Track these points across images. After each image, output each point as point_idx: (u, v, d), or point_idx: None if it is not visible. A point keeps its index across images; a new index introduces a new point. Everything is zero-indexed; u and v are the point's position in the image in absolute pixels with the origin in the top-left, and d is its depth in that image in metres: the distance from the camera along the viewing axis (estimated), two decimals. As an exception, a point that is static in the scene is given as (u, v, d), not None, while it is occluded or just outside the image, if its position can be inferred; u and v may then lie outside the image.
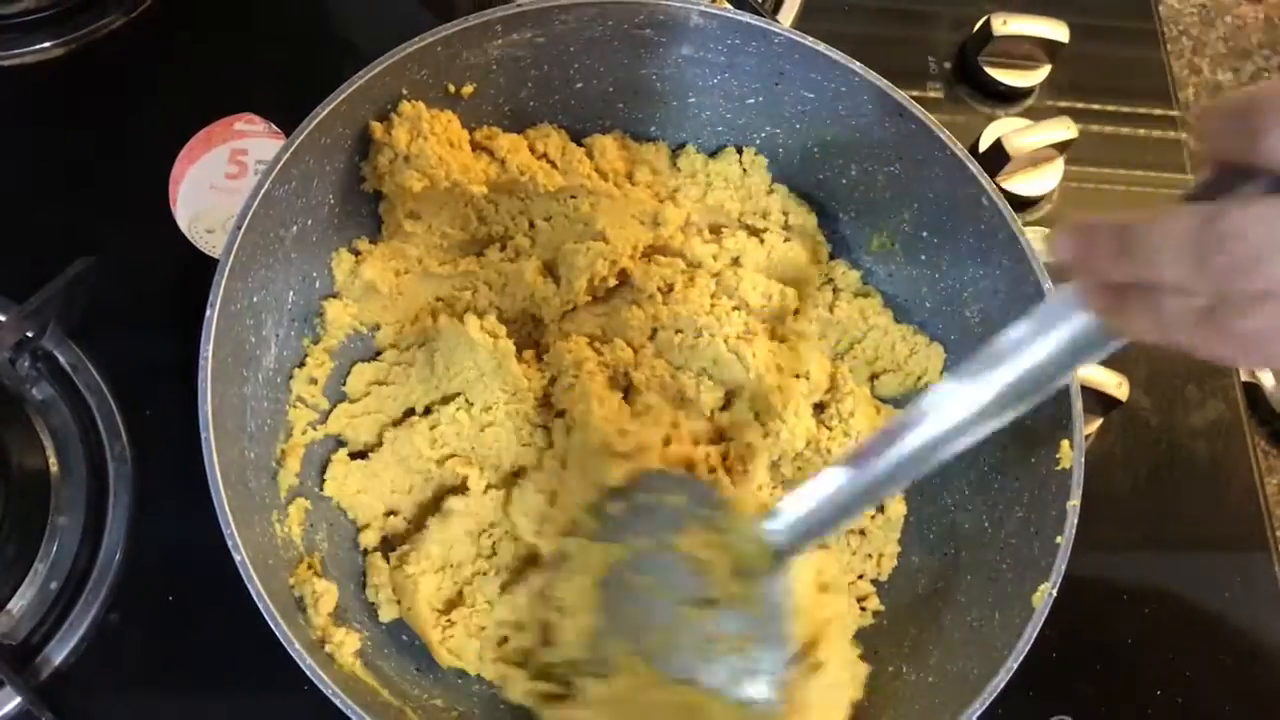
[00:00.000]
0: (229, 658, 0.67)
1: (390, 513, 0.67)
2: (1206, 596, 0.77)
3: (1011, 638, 0.55)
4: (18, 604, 0.67)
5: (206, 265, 0.75)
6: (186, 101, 0.80)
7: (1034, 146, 0.85)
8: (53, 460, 0.70)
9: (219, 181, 0.77)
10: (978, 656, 0.57)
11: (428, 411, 0.68)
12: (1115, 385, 0.76)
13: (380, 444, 0.67)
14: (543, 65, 0.67)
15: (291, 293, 0.64)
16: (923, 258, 0.69)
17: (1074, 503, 0.58)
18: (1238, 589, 0.77)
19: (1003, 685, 0.54)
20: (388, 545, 0.67)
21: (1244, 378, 0.85)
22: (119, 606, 0.68)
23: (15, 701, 0.64)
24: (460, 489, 0.66)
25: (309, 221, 0.63)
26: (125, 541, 0.69)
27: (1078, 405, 0.59)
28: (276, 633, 0.52)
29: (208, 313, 0.55)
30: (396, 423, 0.68)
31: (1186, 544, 0.79)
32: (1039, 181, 0.87)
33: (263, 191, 0.57)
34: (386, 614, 0.64)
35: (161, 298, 0.75)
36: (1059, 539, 0.57)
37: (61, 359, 0.72)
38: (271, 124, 0.79)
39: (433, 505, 0.67)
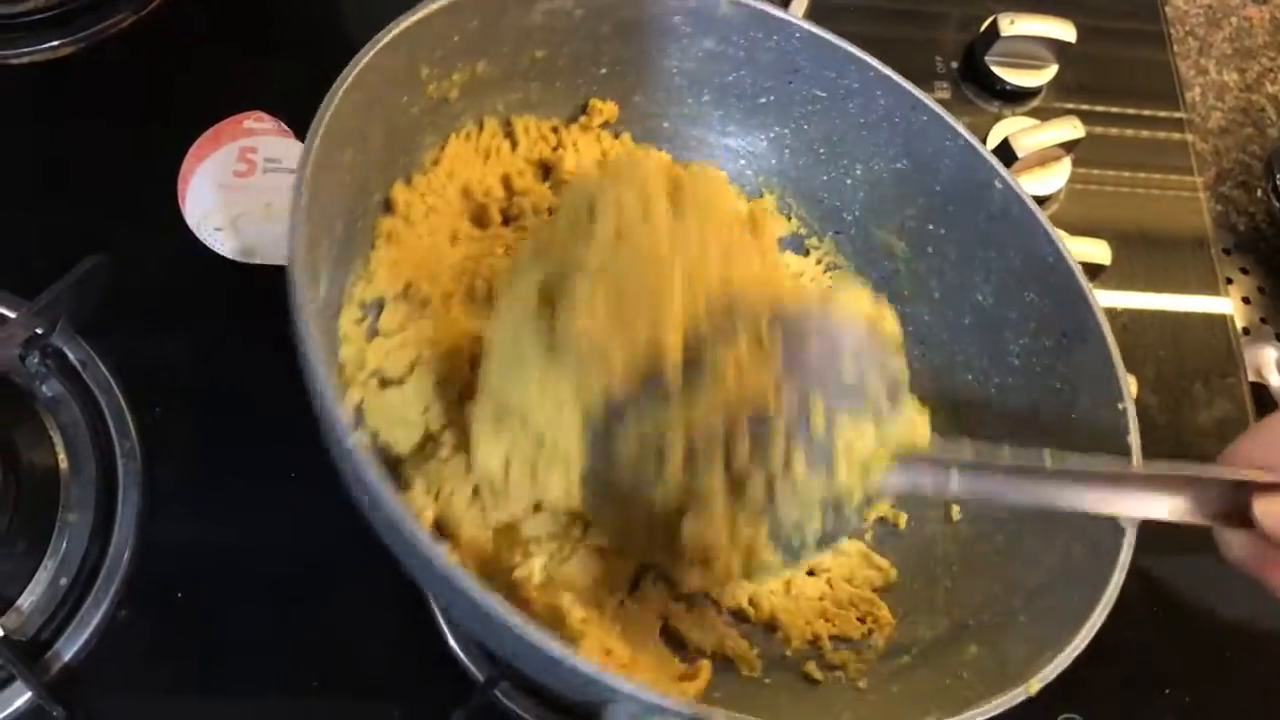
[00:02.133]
0: (239, 655, 0.67)
1: (429, 439, 0.64)
2: (1215, 594, 0.77)
3: (1109, 556, 0.55)
4: (27, 600, 0.66)
5: (216, 263, 0.75)
6: (195, 100, 0.81)
7: (1041, 146, 0.85)
8: (62, 457, 0.70)
9: (228, 179, 0.77)
10: (1071, 586, 0.56)
11: None
12: (1123, 384, 0.76)
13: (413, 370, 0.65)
14: (575, 42, 0.67)
15: (340, 223, 0.62)
16: (929, 249, 0.69)
17: (1134, 438, 0.58)
18: (1247, 586, 0.76)
19: (1117, 595, 0.54)
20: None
21: (1250, 378, 0.85)
22: (128, 603, 0.68)
23: (26, 696, 0.64)
24: None
25: (360, 155, 0.61)
26: (135, 539, 0.69)
27: (1116, 355, 0.59)
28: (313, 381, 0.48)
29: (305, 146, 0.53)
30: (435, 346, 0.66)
31: (1194, 542, 0.78)
32: (1046, 181, 0.87)
33: (352, 76, 0.55)
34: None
35: (171, 296, 0.75)
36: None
37: (71, 356, 0.72)
38: (281, 122, 0.79)
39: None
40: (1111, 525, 0.56)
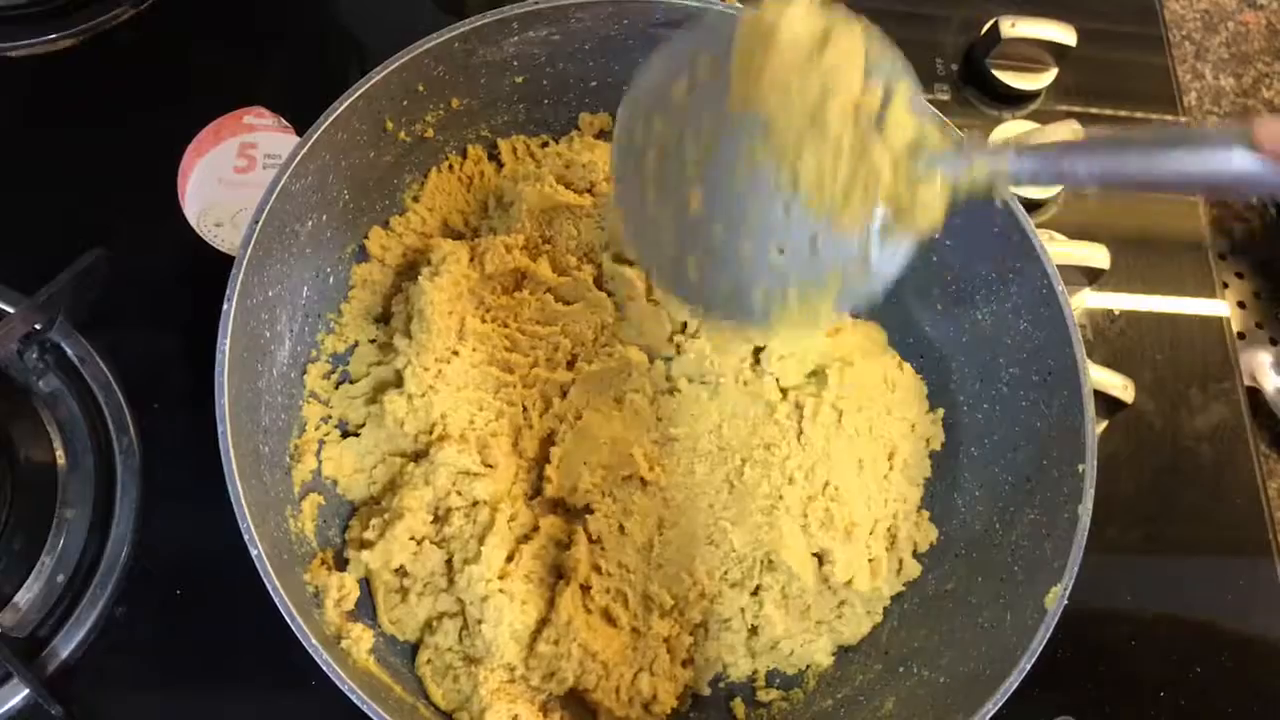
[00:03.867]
0: (237, 652, 0.67)
1: (374, 500, 0.67)
2: (1209, 598, 0.77)
3: (1024, 639, 0.56)
4: (24, 597, 0.66)
5: (215, 259, 0.75)
6: (195, 95, 0.81)
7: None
8: (60, 453, 0.70)
9: (228, 175, 0.77)
10: (990, 657, 0.57)
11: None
12: (1121, 388, 0.76)
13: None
14: (558, 63, 0.68)
15: (306, 288, 0.64)
16: (935, 257, 0.69)
17: (1086, 506, 0.58)
18: (1240, 590, 0.77)
19: (1015, 686, 0.55)
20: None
21: (1245, 382, 0.85)
22: (126, 600, 0.67)
23: (23, 694, 0.63)
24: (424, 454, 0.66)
25: (323, 217, 0.63)
26: (132, 535, 0.68)
27: (1089, 409, 0.60)
28: (293, 627, 0.52)
29: (225, 306, 0.55)
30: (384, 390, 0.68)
31: (1189, 545, 0.79)
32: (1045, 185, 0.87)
33: (280, 186, 0.58)
34: (355, 570, 0.63)
35: (169, 291, 0.75)
36: (1072, 541, 0.57)
37: (69, 351, 0.72)
38: (281, 118, 0.79)
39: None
40: (1037, 606, 0.57)
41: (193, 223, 0.75)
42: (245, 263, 0.56)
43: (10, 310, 0.70)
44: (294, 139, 0.78)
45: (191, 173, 0.76)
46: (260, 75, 0.83)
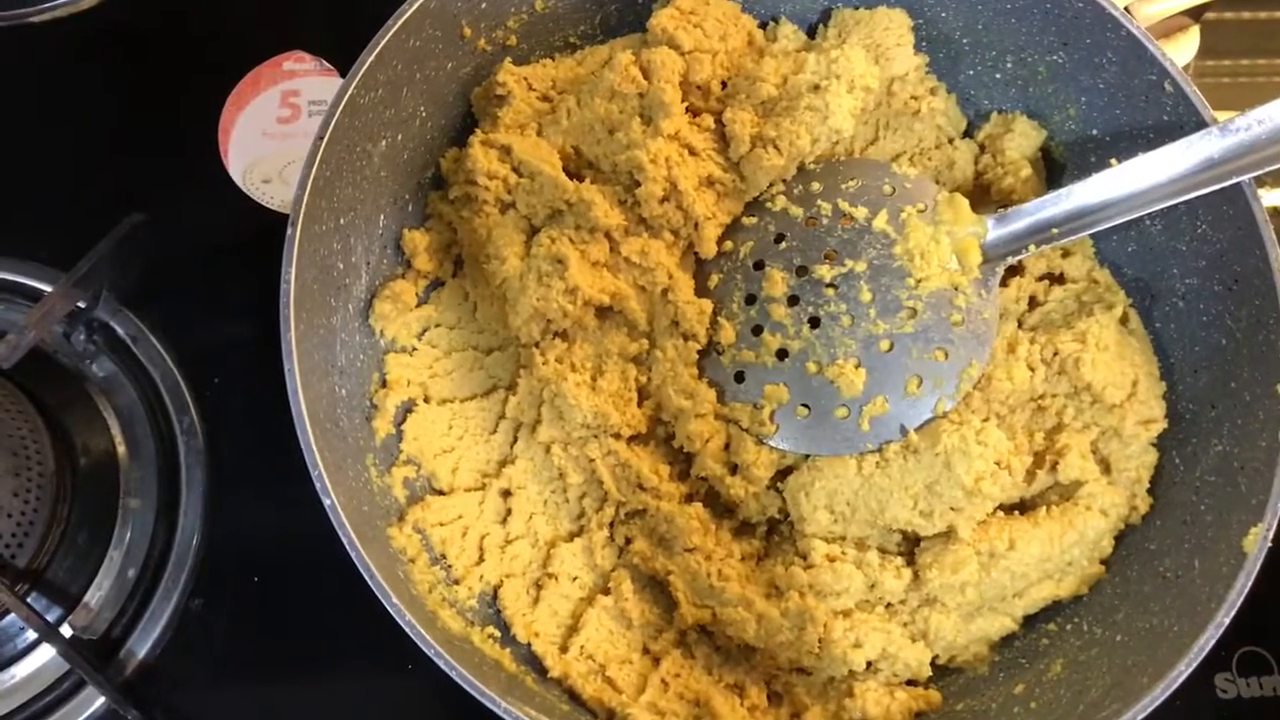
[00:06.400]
0: (326, 639, 0.62)
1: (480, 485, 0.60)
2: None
3: (1218, 587, 0.49)
4: (95, 595, 0.62)
5: (266, 217, 0.69)
6: (228, 44, 0.75)
7: (1165, 14, 0.76)
8: (119, 440, 0.65)
9: (271, 127, 0.71)
10: (1176, 610, 0.50)
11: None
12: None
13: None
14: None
15: (383, 216, 0.58)
16: (1093, 159, 0.60)
17: None
18: None
19: (1212, 643, 0.48)
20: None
21: None
22: (201, 592, 0.63)
23: (99, 702, 0.59)
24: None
25: (399, 136, 0.57)
26: (203, 521, 0.64)
27: None
28: (372, 586, 0.46)
29: (289, 230, 0.49)
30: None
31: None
32: (1172, 54, 0.77)
33: (347, 96, 0.51)
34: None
35: (219, 256, 0.69)
36: (1274, 473, 0.49)
37: (119, 330, 0.67)
38: (322, 60, 0.73)
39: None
40: (1233, 550, 0.50)
41: (238, 181, 0.70)
42: (309, 184, 0.50)
43: (47, 289, 0.65)
44: (339, 82, 0.72)
45: (232, 128, 0.71)
46: (296, 17, 0.76)
